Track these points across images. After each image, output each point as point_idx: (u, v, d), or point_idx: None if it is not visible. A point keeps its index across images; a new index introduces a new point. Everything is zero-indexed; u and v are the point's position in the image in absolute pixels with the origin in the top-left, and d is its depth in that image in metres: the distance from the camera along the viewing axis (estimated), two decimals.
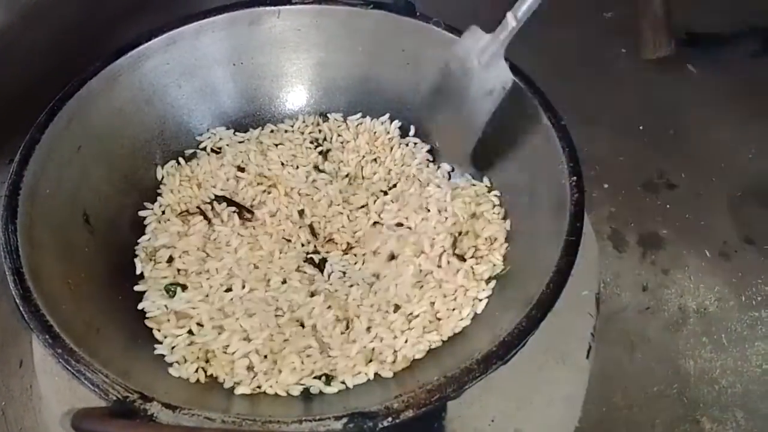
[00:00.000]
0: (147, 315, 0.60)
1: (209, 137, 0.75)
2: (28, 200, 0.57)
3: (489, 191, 0.70)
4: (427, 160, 0.74)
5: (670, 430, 0.88)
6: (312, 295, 0.63)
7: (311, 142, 0.76)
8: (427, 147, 0.75)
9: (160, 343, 0.58)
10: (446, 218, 0.68)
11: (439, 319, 0.61)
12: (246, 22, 0.73)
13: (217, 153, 0.74)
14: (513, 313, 0.53)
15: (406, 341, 0.59)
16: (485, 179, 0.71)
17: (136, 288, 0.63)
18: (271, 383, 0.55)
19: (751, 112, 1.19)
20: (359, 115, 0.77)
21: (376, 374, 0.57)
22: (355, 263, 0.66)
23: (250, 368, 0.57)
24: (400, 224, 0.68)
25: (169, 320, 0.59)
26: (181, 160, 0.73)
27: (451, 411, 0.59)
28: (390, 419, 0.46)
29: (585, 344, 0.66)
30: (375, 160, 0.75)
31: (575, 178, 0.60)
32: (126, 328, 0.58)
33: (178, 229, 0.67)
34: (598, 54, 1.26)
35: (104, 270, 0.61)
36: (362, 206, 0.71)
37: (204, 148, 0.74)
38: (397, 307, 0.62)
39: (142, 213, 0.68)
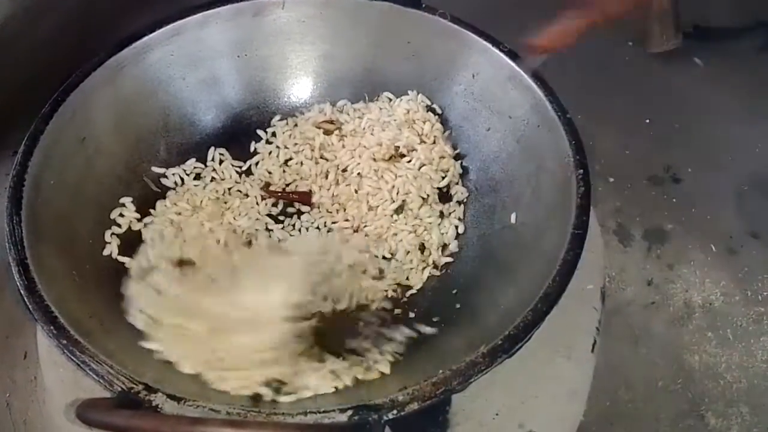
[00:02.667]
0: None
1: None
2: (33, 191, 0.57)
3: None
4: None
5: (675, 425, 0.88)
6: None
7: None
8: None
9: None
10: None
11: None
12: (250, 14, 0.73)
13: None
14: (518, 306, 0.53)
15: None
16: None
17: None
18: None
19: (758, 106, 1.19)
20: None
21: None
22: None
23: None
24: None
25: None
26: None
27: (456, 404, 0.59)
28: (395, 412, 0.47)
29: (590, 338, 0.65)
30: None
31: (581, 171, 0.60)
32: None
33: None
34: (605, 47, 1.25)
35: (108, 262, 0.61)
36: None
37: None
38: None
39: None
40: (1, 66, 0.73)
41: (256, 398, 0.51)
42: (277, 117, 0.76)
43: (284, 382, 0.54)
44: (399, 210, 0.68)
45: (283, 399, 0.52)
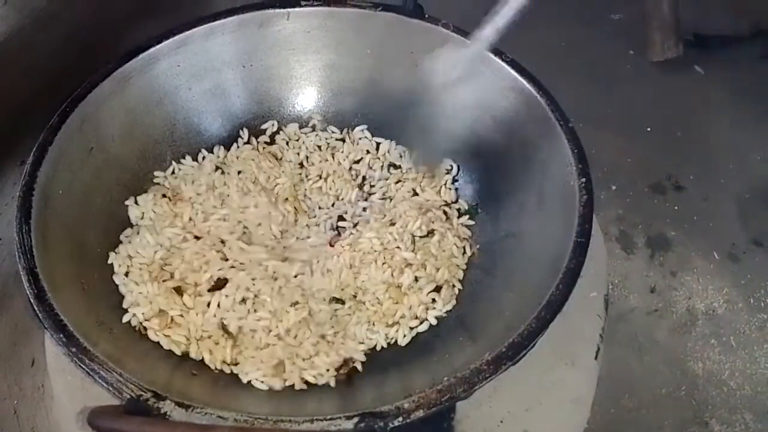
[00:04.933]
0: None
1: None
2: (42, 201, 0.57)
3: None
4: None
5: None
6: None
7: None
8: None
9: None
10: None
11: None
12: (256, 25, 0.74)
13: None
14: (522, 314, 0.53)
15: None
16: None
17: None
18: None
19: (759, 113, 1.19)
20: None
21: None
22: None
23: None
24: None
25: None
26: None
27: (461, 412, 0.59)
28: (401, 419, 0.47)
29: (593, 346, 0.65)
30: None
31: (584, 179, 0.60)
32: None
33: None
34: (606, 56, 1.26)
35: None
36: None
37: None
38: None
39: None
40: (10, 77, 0.74)
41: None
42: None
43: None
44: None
45: None
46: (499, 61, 0.70)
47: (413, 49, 0.74)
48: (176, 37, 0.71)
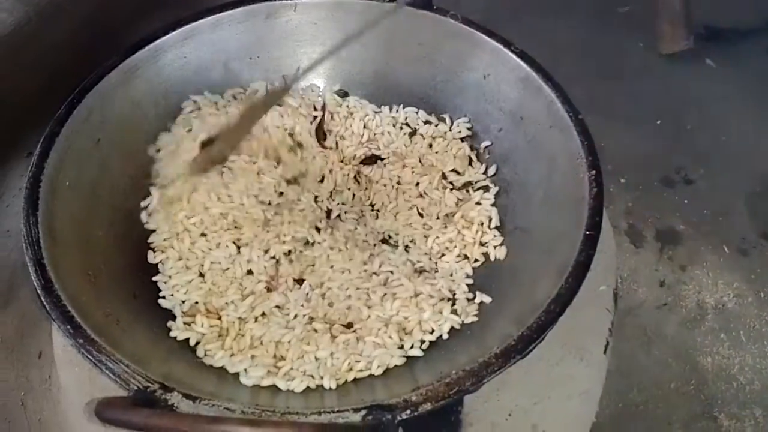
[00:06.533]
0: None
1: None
2: (49, 193, 0.57)
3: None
4: None
5: (688, 427, 0.87)
6: None
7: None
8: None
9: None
10: None
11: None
12: (263, 16, 0.74)
13: None
14: (531, 308, 0.53)
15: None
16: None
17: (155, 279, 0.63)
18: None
19: None
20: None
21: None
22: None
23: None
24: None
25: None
26: None
27: (468, 405, 0.59)
28: (408, 412, 0.47)
29: (602, 339, 0.65)
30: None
31: (594, 172, 0.59)
32: (145, 318, 0.58)
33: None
34: (616, 48, 1.25)
35: (123, 261, 0.62)
36: None
37: None
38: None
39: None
40: (17, 69, 0.74)
41: None
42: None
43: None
44: None
45: None
46: (509, 53, 0.69)
47: (421, 40, 0.74)
48: (183, 29, 0.71)
